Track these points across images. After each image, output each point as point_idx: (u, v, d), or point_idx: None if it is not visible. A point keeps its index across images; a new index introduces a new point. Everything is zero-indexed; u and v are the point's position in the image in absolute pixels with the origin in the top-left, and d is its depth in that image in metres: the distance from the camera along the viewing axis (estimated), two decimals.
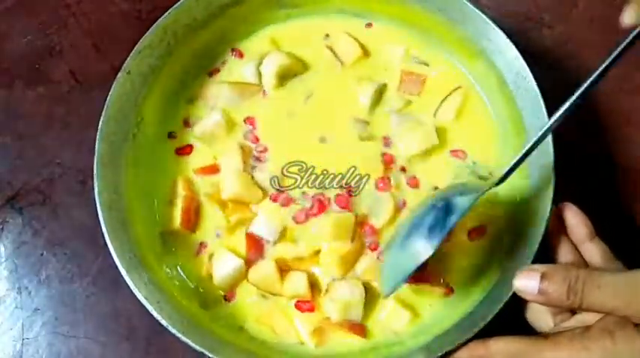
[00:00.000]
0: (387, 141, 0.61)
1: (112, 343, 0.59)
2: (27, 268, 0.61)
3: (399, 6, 0.63)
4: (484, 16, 0.58)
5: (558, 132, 0.53)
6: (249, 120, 0.62)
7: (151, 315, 0.51)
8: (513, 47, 0.57)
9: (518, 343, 0.48)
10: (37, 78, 0.67)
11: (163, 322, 0.50)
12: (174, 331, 0.50)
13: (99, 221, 0.53)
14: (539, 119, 0.55)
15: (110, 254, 0.52)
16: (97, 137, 0.55)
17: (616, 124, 0.65)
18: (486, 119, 0.62)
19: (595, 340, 0.45)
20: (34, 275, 0.61)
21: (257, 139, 0.61)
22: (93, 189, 0.54)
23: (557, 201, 0.53)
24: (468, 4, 0.59)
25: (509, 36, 0.57)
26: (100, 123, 0.56)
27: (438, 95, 0.63)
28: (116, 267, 0.52)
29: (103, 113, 0.56)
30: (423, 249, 0.50)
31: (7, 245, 0.62)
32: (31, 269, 0.61)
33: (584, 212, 0.61)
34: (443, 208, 0.51)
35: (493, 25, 0.58)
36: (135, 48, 0.58)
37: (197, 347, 0.50)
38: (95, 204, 0.53)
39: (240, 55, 0.64)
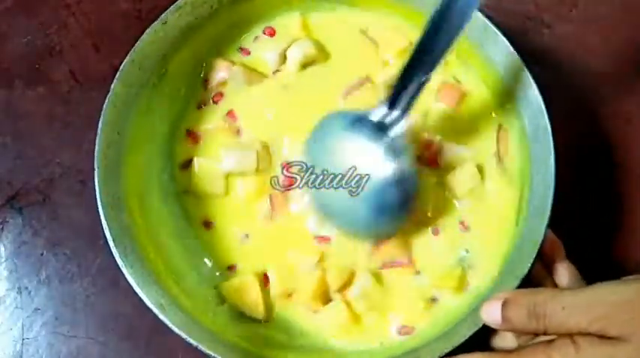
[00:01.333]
0: None
1: (112, 343, 0.59)
2: (27, 268, 0.61)
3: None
4: (523, 65, 0.56)
5: (558, 133, 0.53)
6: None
7: (152, 315, 0.51)
8: (541, 103, 0.54)
9: None
10: (37, 78, 0.67)
11: (167, 322, 0.51)
12: (178, 331, 0.50)
13: (99, 221, 0.53)
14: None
15: (110, 254, 0.52)
16: (116, 77, 0.55)
17: (616, 124, 0.65)
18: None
19: (558, 348, 0.45)
20: (34, 275, 0.61)
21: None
22: (93, 189, 0.54)
23: (557, 201, 0.52)
24: (509, 46, 0.56)
25: (508, 36, 0.57)
26: (123, 64, 0.56)
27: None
28: (116, 267, 0.52)
29: (129, 55, 0.56)
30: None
31: (7, 245, 0.62)
32: (31, 269, 0.61)
33: (583, 212, 0.61)
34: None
35: (527, 73, 0.55)
36: (176, 2, 0.58)
37: (201, 346, 0.50)
38: (96, 205, 0.53)
39: (272, 34, 0.64)
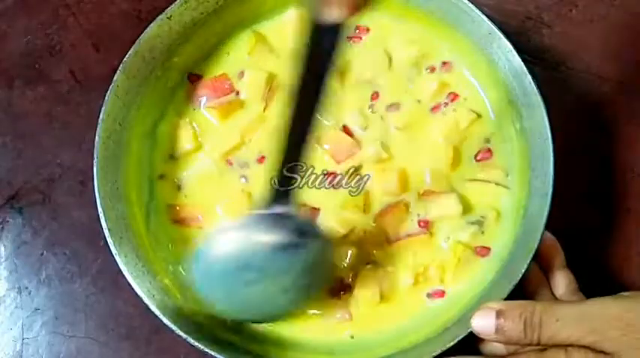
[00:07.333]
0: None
1: (112, 343, 0.59)
2: (27, 268, 0.61)
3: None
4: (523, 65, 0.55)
5: (558, 132, 0.53)
6: None
7: (151, 315, 0.51)
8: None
9: None
10: (37, 78, 0.67)
11: (165, 320, 0.50)
12: (176, 329, 0.50)
13: (99, 221, 0.53)
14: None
15: (110, 254, 0.52)
16: (119, 69, 0.56)
17: (616, 124, 0.65)
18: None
19: (550, 357, 0.46)
20: (34, 275, 0.61)
21: None
22: (93, 189, 0.54)
23: (557, 201, 0.52)
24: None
25: (508, 36, 0.57)
26: (127, 55, 0.56)
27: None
28: (116, 267, 0.52)
29: (133, 47, 0.57)
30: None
31: (7, 245, 0.62)
32: (31, 269, 0.61)
33: (583, 212, 0.61)
34: None
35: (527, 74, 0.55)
36: None
37: (198, 345, 0.50)
38: (96, 205, 0.53)
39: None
